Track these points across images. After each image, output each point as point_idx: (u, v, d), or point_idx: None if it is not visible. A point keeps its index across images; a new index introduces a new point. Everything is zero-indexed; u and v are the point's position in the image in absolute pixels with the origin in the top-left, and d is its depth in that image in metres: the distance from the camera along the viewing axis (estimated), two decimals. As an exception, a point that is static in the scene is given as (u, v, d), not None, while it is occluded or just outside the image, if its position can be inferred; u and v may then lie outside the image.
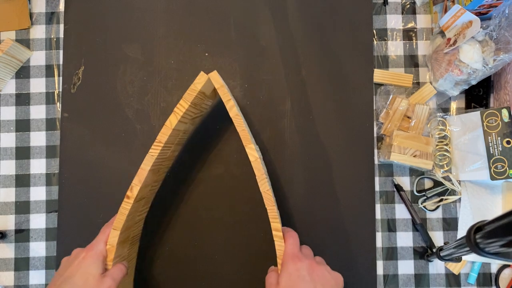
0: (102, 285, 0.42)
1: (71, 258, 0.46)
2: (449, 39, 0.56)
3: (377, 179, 0.61)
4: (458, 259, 0.51)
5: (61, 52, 0.63)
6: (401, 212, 0.60)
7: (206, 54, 0.62)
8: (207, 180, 0.60)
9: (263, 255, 0.59)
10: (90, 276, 0.42)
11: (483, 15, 0.56)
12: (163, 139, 0.47)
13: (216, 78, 0.48)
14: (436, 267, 0.59)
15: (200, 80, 0.47)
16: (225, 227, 0.60)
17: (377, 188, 0.60)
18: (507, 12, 0.54)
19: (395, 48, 0.63)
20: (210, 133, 0.61)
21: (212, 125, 0.61)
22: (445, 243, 0.53)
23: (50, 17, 0.63)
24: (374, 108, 0.61)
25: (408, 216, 0.60)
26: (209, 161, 0.60)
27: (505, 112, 0.54)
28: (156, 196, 0.58)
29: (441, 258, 0.52)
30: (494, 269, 0.59)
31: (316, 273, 0.42)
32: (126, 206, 0.47)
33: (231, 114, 0.48)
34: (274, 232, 0.46)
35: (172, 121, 0.47)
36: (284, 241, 0.45)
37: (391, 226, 0.60)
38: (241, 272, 0.59)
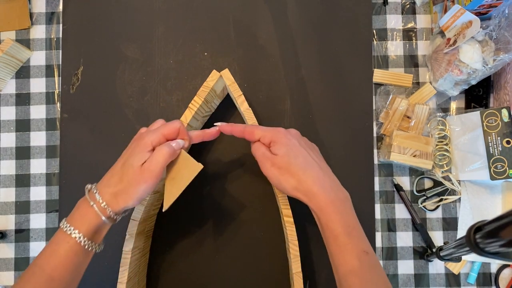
0: (140, 179, 0.40)
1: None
2: (449, 39, 0.56)
3: (377, 179, 0.61)
4: (458, 259, 0.51)
5: (61, 52, 0.63)
6: (401, 212, 0.60)
7: (205, 53, 0.62)
8: (207, 180, 0.60)
9: (264, 254, 0.59)
10: (132, 168, 0.40)
11: (483, 15, 0.56)
12: None
13: (227, 75, 0.51)
14: (436, 267, 0.59)
15: (213, 78, 0.51)
16: (225, 226, 0.60)
17: (377, 188, 0.60)
18: (507, 12, 0.54)
19: (395, 48, 0.63)
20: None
21: (211, 126, 0.60)
22: (445, 243, 0.53)
23: (50, 17, 0.63)
24: (374, 108, 0.61)
25: (408, 216, 0.60)
26: (209, 162, 0.60)
27: (505, 112, 0.54)
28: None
29: (441, 258, 0.52)
30: (494, 269, 0.59)
31: (304, 141, 0.47)
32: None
33: (242, 108, 0.51)
34: (285, 218, 0.49)
35: (187, 116, 0.50)
36: (264, 132, 0.45)
37: (391, 226, 0.60)
38: (242, 271, 0.59)
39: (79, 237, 0.39)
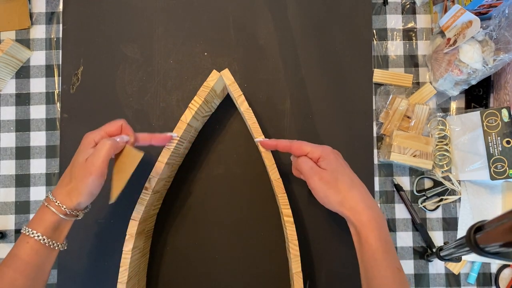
0: (86, 172, 0.42)
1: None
2: (449, 39, 0.56)
3: (376, 179, 0.61)
4: (458, 259, 0.51)
5: (61, 52, 0.63)
6: (401, 212, 0.60)
7: (205, 53, 0.62)
8: (207, 180, 0.60)
9: (264, 254, 0.59)
10: (78, 164, 0.43)
11: (483, 15, 0.56)
12: (178, 133, 0.50)
13: (227, 75, 0.51)
14: (436, 267, 0.59)
15: (213, 78, 0.51)
16: (225, 226, 0.60)
17: (377, 188, 0.60)
18: (507, 12, 0.54)
19: (395, 48, 0.63)
20: (210, 133, 0.61)
21: (211, 126, 0.61)
22: (445, 243, 0.53)
23: (50, 17, 0.63)
24: (374, 108, 0.61)
25: (408, 216, 0.60)
26: (209, 161, 0.60)
27: (505, 112, 0.54)
28: (156, 196, 0.58)
29: (441, 258, 0.52)
30: (494, 269, 0.59)
31: (345, 162, 0.49)
32: (144, 197, 0.50)
33: (242, 108, 0.51)
34: (285, 218, 0.49)
35: (187, 116, 0.50)
36: (312, 148, 0.47)
37: (391, 226, 0.60)
38: (242, 271, 0.59)
39: (38, 236, 0.42)
